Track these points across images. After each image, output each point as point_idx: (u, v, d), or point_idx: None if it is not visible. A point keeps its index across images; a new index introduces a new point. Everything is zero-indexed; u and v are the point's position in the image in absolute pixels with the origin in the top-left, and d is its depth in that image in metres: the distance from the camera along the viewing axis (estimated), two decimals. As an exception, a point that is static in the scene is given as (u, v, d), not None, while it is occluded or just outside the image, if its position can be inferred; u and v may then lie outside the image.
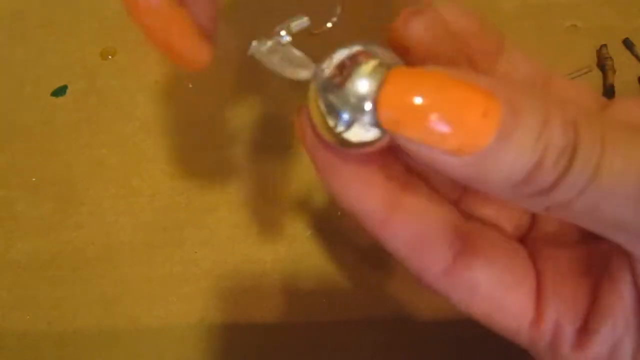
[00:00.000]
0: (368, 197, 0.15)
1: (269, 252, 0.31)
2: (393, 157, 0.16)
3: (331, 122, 0.14)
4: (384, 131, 0.13)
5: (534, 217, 0.18)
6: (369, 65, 0.13)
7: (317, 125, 0.14)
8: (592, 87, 0.34)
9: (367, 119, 0.13)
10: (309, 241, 0.31)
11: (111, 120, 0.34)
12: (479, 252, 0.16)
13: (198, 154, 0.33)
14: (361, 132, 0.14)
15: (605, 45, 0.34)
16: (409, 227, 0.16)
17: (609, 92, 0.33)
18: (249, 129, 0.34)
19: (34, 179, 0.33)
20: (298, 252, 0.31)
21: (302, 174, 0.32)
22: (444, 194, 0.18)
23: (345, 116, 0.13)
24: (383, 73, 0.13)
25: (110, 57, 0.36)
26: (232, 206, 0.32)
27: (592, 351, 0.15)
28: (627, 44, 0.35)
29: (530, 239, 0.18)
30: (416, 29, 0.15)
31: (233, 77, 0.35)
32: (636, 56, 0.35)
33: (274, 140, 0.33)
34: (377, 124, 0.13)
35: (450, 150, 0.12)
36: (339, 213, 0.31)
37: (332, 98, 0.14)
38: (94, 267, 0.31)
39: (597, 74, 0.34)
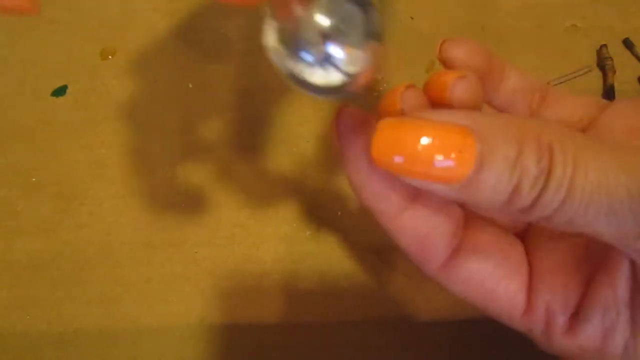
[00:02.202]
0: (387, 196, 0.17)
1: (269, 252, 0.31)
2: None
3: (293, 65, 0.13)
4: (350, 76, 0.13)
5: None
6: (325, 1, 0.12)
7: (279, 67, 0.13)
8: (591, 91, 0.34)
9: (330, 60, 0.12)
10: (309, 241, 0.31)
11: (111, 120, 0.34)
12: (474, 249, 0.18)
13: (198, 154, 0.33)
14: (325, 75, 0.13)
15: (605, 45, 0.34)
16: (416, 226, 0.17)
17: (609, 92, 0.34)
18: (249, 129, 0.34)
19: (34, 179, 0.33)
20: (298, 252, 0.31)
21: (302, 173, 0.32)
22: None
23: (308, 57, 0.13)
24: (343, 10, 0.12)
25: (110, 57, 0.36)
26: (232, 206, 0.32)
27: (583, 337, 0.17)
28: (627, 44, 0.35)
29: (529, 233, 0.19)
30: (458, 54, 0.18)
31: (232, 77, 0.35)
32: (636, 56, 0.35)
33: (274, 140, 0.33)
34: (340, 67, 0.13)
35: (435, 181, 0.14)
36: (339, 213, 0.31)
37: (293, 35, 0.13)
38: (94, 267, 0.31)
39: (597, 74, 0.34)
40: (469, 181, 0.14)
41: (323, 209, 0.31)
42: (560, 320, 0.17)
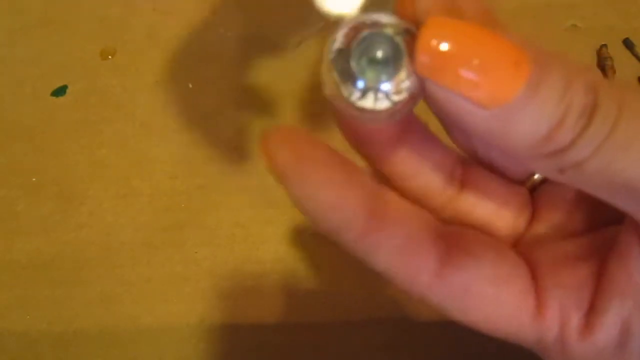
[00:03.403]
0: (346, 202, 0.14)
1: (269, 252, 0.31)
2: (360, 169, 0.16)
3: (345, 91, 0.14)
4: (397, 103, 0.14)
5: (527, 220, 0.18)
6: (385, 33, 0.14)
7: (330, 93, 0.14)
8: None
9: (380, 89, 0.14)
10: (309, 241, 0.31)
11: (111, 120, 0.34)
12: (464, 251, 0.15)
13: (198, 154, 0.33)
14: (374, 101, 0.14)
15: (605, 45, 0.34)
16: (394, 235, 0.15)
17: (609, 92, 0.33)
18: (249, 129, 0.34)
19: (34, 179, 0.33)
20: (298, 252, 0.31)
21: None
22: (424, 199, 0.17)
23: (360, 84, 0.14)
24: (400, 39, 0.13)
25: (110, 57, 0.36)
26: (232, 206, 0.32)
27: (601, 335, 0.15)
28: (627, 44, 0.35)
29: (521, 244, 0.17)
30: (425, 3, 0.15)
31: (232, 77, 0.35)
32: (636, 56, 0.35)
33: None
34: (389, 95, 0.14)
35: (479, 100, 0.13)
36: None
37: (347, 65, 0.14)
38: (94, 267, 0.31)
39: (597, 74, 0.34)
40: (512, 105, 0.13)
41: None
42: (576, 319, 0.15)
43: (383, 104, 0.14)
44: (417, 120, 0.17)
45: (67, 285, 0.31)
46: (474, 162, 0.18)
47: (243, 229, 0.31)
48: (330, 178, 0.14)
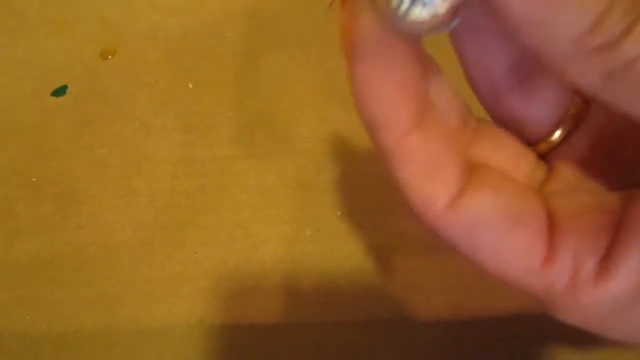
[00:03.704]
0: (399, 103, 0.14)
1: (269, 252, 0.31)
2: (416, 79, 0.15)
3: (393, 3, 0.14)
4: (440, 14, 0.14)
5: (542, 177, 0.18)
6: None
7: (377, 10, 0.14)
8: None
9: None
10: (309, 241, 0.31)
11: (111, 120, 0.34)
12: (485, 183, 0.15)
13: (198, 154, 0.33)
14: (421, 10, 0.14)
15: (605, 45, 0.34)
16: (428, 147, 0.15)
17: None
18: (249, 128, 0.34)
19: (34, 179, 0.33)
20: (298, 252, 0.31)
21: (302, 173, 0.32)
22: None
23: None
24: None
25: (110, 57, 0.36)
26: (232, 206, 0.32)
27: (618, 281, 0.14)
28: (627, 44, 0.35)
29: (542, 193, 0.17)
30: None
31: (232, 77, 0.35)
32: (636, 56, 0.35)
33: (274, 139, 0.33)
34: (435, 4, 0.14)
35: None
36: (339, 213, 0.31)
37: None
38: (94, 267, 0.31)
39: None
40: None
41: (323, 209, 0.31)
42: (590, 264, 0.14)
43: (429, 13, 0.14)
44: (434, 64, 0.17)
45: (67, 285, 0.31)
46: (485, 121, 0.18)
47: (243, 229, 0.31)
48: (402, 70, 0.14)
